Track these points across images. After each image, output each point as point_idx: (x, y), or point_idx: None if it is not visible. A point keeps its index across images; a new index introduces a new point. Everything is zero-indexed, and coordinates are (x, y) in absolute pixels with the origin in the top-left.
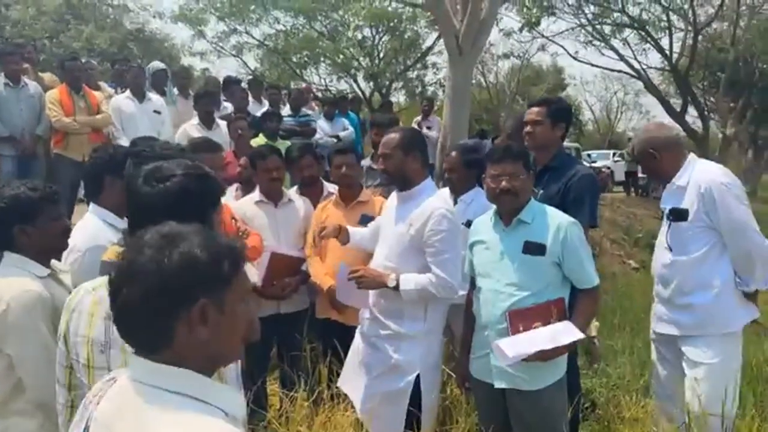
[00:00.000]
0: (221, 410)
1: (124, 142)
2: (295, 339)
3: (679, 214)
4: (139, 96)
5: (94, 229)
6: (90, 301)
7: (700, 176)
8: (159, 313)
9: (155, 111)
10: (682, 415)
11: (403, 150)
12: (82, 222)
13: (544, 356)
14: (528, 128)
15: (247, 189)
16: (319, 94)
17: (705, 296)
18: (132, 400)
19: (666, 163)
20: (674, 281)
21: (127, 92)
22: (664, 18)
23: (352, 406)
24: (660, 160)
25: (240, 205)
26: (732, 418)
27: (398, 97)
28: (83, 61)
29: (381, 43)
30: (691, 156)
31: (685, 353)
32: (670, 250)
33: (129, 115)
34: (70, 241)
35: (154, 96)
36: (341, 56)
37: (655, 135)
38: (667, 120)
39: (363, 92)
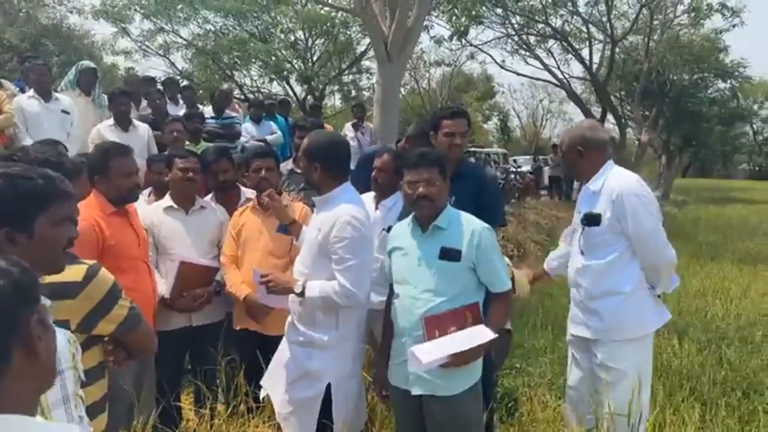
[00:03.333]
0: None
1: (29, 143)
2: (208, 352)
3: (592, 219)
4: (45, 95)
5: None
6: None
7: (613, 183)
8: None
9: (63, 111)
10: (591, 418)
11: (306, 157)
12: None
13: (459, 361)
14: (457, 140)
15: (160, 195)
16: (251, 96)
17: (613, 302)
18: None
19: (587, 164)
20: (585, 285)
21: (31, 91)
22: (585, 30)
23: (269, 418)
24: (583, 159)
25: (147, 213)
26: (643, 418)
27: (333, 101)
28: None
29: (314, 46)
30: (609, 162)
31: (598, 357)
32: (582, 254)
33: (33, 114)
34: None
35: (61, 95)
36: (273, 58)
37: (587, 134)
38: None
39: (296, 95)
